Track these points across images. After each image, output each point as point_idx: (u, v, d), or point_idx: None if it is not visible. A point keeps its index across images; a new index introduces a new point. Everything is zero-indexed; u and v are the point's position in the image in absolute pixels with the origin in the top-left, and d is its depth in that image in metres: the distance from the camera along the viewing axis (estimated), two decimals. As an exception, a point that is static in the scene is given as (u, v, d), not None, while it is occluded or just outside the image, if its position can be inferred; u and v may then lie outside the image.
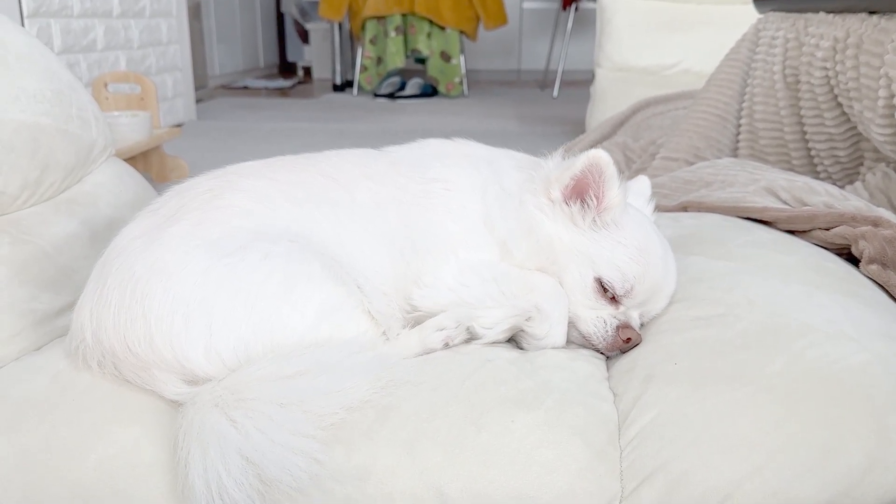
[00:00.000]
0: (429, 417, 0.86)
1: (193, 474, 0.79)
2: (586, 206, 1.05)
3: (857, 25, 1.57)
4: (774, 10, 2.06)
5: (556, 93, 6.31)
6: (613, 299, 1.05)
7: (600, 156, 1.01)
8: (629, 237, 1.05)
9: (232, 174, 1.08)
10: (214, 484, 0.78)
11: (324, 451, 0.82)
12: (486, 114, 5.31)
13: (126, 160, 2.87)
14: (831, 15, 1.72)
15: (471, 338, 1.04)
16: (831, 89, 1.71)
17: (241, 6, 7.60)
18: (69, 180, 1.43)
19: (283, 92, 6.85)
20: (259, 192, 1.04)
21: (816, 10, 1.80)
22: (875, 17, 1.54)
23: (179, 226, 0.99)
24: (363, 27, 6.10)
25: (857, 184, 1.67)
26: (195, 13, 5.70)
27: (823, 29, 1.71)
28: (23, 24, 3.03)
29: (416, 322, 1.04)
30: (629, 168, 2.51)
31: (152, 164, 3.06)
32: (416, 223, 1.06)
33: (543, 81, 7.11)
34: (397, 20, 5.95)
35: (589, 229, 1.05)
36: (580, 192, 1.05)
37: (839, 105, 1.71)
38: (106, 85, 3.05)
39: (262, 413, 0.82)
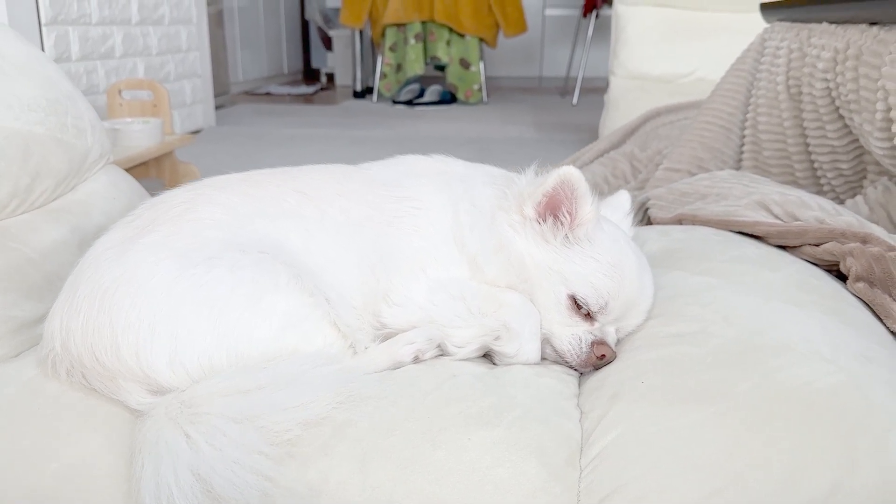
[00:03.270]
0: (385, 433, 0.85)
1: (144, 489, 0.79)
2: (559, 222, 1.04)
3: (858, 36, 1.54)
4: (781, 20, 2.03)
5: (575, 100, 6.28)
6: (588, 315, 1.04)
7: (571, 172, 1.00)
8: (603, 253, 1.04)
9: (207, 187, 1.09)
10: (165, 499, 0.78)
11: (276, 468, 0.81)
12: (504, 120, 5.30)
13: (138, 166, 2.92)
14: (833, 25, 1.69)
15: (442, 353, 1.04)
16: (833, 101, 1.68)
17: (266, 13, 7.67)
18: (61, 188, 1.45)
19: (305, 98, 6.90)
20: (232, 206, 1.05)
21: (820, 21, 1.77)
22: (875, 29, 1.51)
23: (150, 237, 0.99)
24: (383, 34, 6.13)
25: (858, 198, 1.64)
26: (217, 20, 5.77)
27: (825, 39, 1.68)
28: (41, 32, 3.09)
29: (386, 338, 1.04)
30: (635, 178, 2.49)
31: (165, 170, 3.09)
32: (387, 241, 1.06)
33: (564, 88, 7.09)
34: (417, 27, 5.97)
35: (561, 246, 1.04)
36: (553, 209, 1.04)
37: (841, 117, 1.68)
38: (120, 92, 3.10)
39: (216, 428, 0.82)
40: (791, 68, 1.84)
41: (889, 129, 1.42)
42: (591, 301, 1.03)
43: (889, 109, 1.40)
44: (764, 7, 2.15)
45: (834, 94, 1.66)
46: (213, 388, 0.88)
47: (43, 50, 3.12)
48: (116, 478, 0.86)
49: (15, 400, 0.94)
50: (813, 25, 1.79)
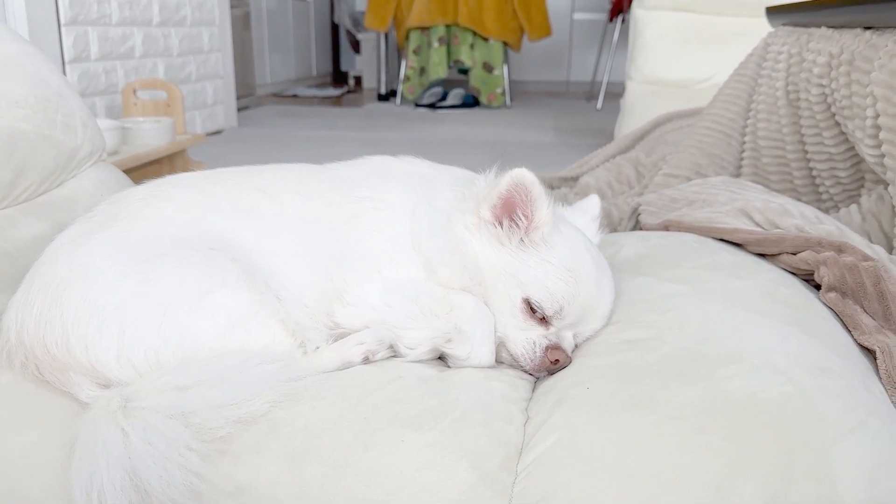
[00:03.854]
0: (318, 433, 0.85)
1: (75, 482, 0.80)
2: (515, 225, 1.03)
3: (851, 41, 1.50)
4: (785, 24, 2.00)
5: (600, 104, 6.23)
6: (543, 320, 1.03)
7: (524, 175, 0.99)
8: (559, 256, 1.03)
9: (168, 185, 1.10)
10: (96, 492, 0.79)
11: (205, 465, 0.81)
12: (524, 125, 5.28)
13: (150, 164, 2.97)
14: (831, 30, 1.65)
15: (394, 355, 1.03)
16: (828, 107, 1.64)
17: (295, 16, 7.75)
18: (47, 184, 1.48)
19: (332, 101, 6.95)
20: (189, 203, 1.06)
21: (819, 25, 1.73)
22: (868, 33, 1.47)
23: (106, 232, 1.01)
24: (407, 37, 6.15)
25: (853, 206, 1.60)
26: (244, 22, 5.84)
27: (822, 44, 1.64)
28: (60, 32, 3.15)
29: (340, 338, 1.04)
30: (639, 183, 2.46)
31: (177, 169, 3.13)
32: (343, 240, 1.06)
33: (590, 93, 7.05)
34: (441, 31, 5.98)
35: (517, 249, 1.03)
36: (509, 211, 1.03)
37: (837, 124, 1.64)
38: (135, 91, 3.15)
39: (150, 423, 0.83)
40: (790, 73, 1.81)
41: (877, 136, 1.38)
42: (546, 305, 1.01)
43: (878, 116, 1.37)
44: (770, 11, 2.11)
45: (829, 99, 1.62)
46: (153, 383, 0.88)
47: (62, 50, 3.18)
48: (56, 469, 0.86)
49: (-34, 390, 0.96)
50: (812, 30, 1.75)
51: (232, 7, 5.03)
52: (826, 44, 1.62)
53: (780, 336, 0.99)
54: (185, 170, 3.17)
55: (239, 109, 5.30)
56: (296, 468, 0.82)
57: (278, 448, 0.84)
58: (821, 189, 1.81)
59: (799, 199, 1.82)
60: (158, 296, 0.94)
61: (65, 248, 1.00)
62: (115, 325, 0.93)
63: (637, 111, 3.57)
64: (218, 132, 4.72)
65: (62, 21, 3.14)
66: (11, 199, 1.38)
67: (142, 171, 2.83)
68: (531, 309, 1.02)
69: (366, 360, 1.00)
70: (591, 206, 1.22)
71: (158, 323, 0.93)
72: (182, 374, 0.89)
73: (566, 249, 1.03)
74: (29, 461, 0.88)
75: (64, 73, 3.23)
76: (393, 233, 1.07)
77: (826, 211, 1.78)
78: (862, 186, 1.71)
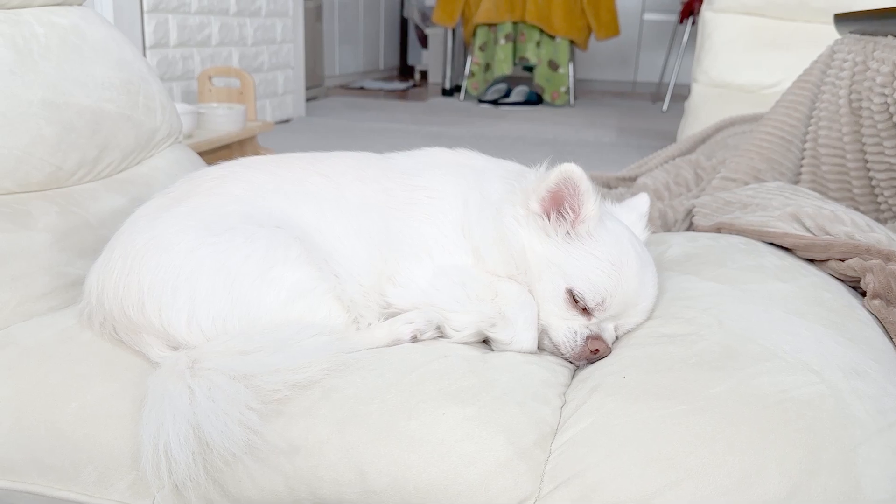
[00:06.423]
0: (366, 401, 0.91)
1: (144, 432, 0.88)
2: (562, 218, 1.07)
3: (915, 51, 1.50)
4: (852, 32, 1.98)
5: (665, 106, 6.18)
6: (585, 310, 1.07)
7: (572, 170, 1.04)
8: (603, 250, 1.06)
9: (239, 166, 1.18)
10: (162, 443, 0.86)
11: (262, 423, 0.88)
12: (586, 124, 5.27)
13: (221, 148, 3.09)
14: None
15: (441, 335, 1.09)
16: (890, 117, 1.63)
17: (366, 10, 7.87)
18: (127, 161, 1.58)
19: (397, 94, 7.05)
20: (258, 184, 1.13)
21: (885, 34, 1.72)
22: (933, 43, 1.46)
23: (181, 207, 1.09)
24: (474, 34, 6.19)
25: (909, 217, 1.59)
26: (316, 14, 5.97)
27: (886, 53, 1.63)
28: (142, 19, 3.31)
29: (391, 317, 1.10)
30: (697, 186, 2.46)
31: (246, 153, 3.25)
32: (398, 225, 1.12)
33: (656, 94, 6.98)
34: (508, 28, 6.01)
35: (562, 241, 1.07)
36: (557, 204, 1.07)
37: (898, 134, 1.63)
38: (210, 78, 3.28)
39: (214, 383, 0.90)
40: (854, 82, 1.80)
41: (936, 148, 1.37)
42: (588, 296, 1.05)
43: (937, 127, 1.36)
44: (837, 18, 2.09)
45: (891, 109, 1.61)
46: (218, 347, 0.96)
47: (143, 35, 3.34)
48: (127, 420, 0.95)
49: (49, 344, 1.06)
50: (878, 38, 1.74)
51: (305, -1, 5.16)
52: (890, 53, 1.62)
53: (817, 338, 1.01)
54: (255, 155, 3.29)
55: (307, 99, 5.44)
56: (344, 431, 0.88)
57: (329, 412, 0.90)
58: (879, 199, 1.80)
59: (857, 209, 1.82)
60: (226, 267, 1.01)
61: (143, 220, 1.09)
62: (187, 293, 1.00)
63: (701, 114, 3.54)
64: (287, 121, 4.86)
65: (145, 8, 3.30)
66: (94, 174, 1.49)
67: (214, 154, 2.95)
68: (574, 299, 1.06)
69: (414, 339, 1.06)
70: (640, 203, 1.25)
71: (226, 292, 1.01)
72: (245, 339, 0.96)
73: (611, 244, 1.07)
74: (104, 411, 0.96)
75: (144, 57, 3.38)
76: (445, 220, 1.13)
77: (884, 221, 1.77)
78: (922, 198, 1.69)
